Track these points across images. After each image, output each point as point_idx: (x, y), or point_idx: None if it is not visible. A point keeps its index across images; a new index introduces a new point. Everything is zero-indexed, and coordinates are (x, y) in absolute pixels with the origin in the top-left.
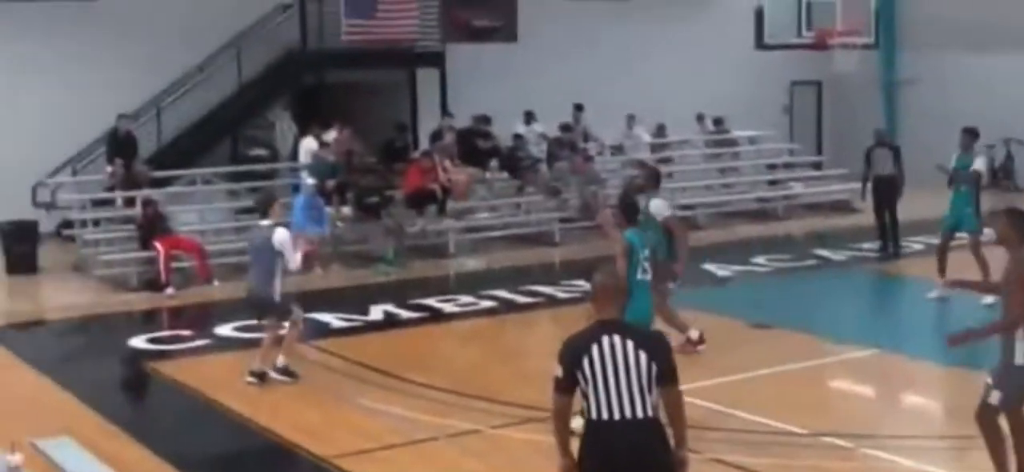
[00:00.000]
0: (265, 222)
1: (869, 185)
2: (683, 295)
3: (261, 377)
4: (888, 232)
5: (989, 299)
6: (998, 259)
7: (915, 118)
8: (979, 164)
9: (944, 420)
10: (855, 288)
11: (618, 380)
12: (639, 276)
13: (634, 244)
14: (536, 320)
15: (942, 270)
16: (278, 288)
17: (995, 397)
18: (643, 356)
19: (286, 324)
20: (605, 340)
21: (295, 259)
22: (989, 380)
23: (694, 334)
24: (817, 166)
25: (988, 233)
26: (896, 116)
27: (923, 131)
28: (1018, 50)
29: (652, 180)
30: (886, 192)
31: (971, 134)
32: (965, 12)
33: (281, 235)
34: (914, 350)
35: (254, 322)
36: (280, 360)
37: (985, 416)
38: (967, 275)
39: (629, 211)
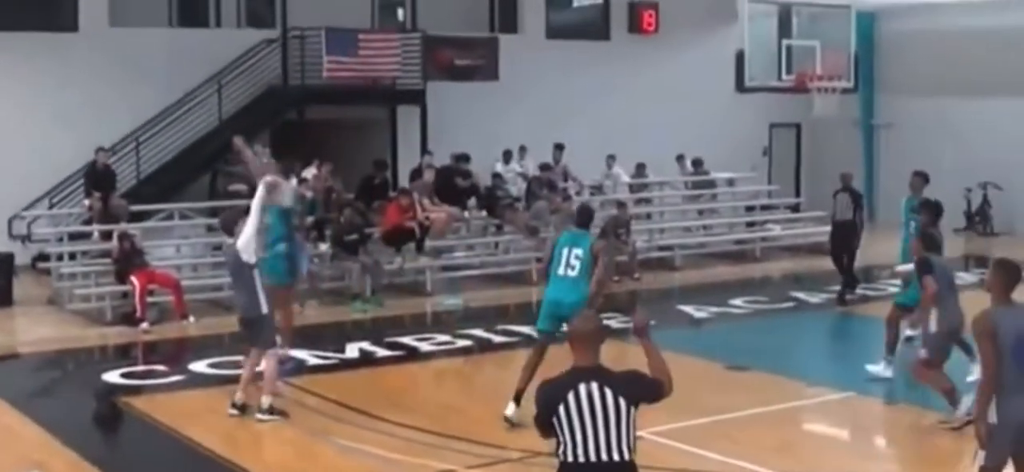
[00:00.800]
0: (231, 240)
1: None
2: (658, 336)
3: (243, 409)
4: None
5: (908, 331)
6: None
7: (893, 161)
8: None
9: (919, 465)
10: (831, 331)
11: (595, 427)
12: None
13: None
14: (513, 360)
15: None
16: (264, 302)
17: (981, 458)
18: (622, 402)
19: (271, 352)
20: (582, 388)
21: (247, 252)
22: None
23: None
24: (795, 208)
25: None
26: (874, 159)
27: (901, 175)
28: (995, 95)
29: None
30: (844, 237)
31: (922, 177)
32: (943, 57)
33: (242, 240)
34: (890, 394)
35: (236, 356)
36: (265, 401)
37: None
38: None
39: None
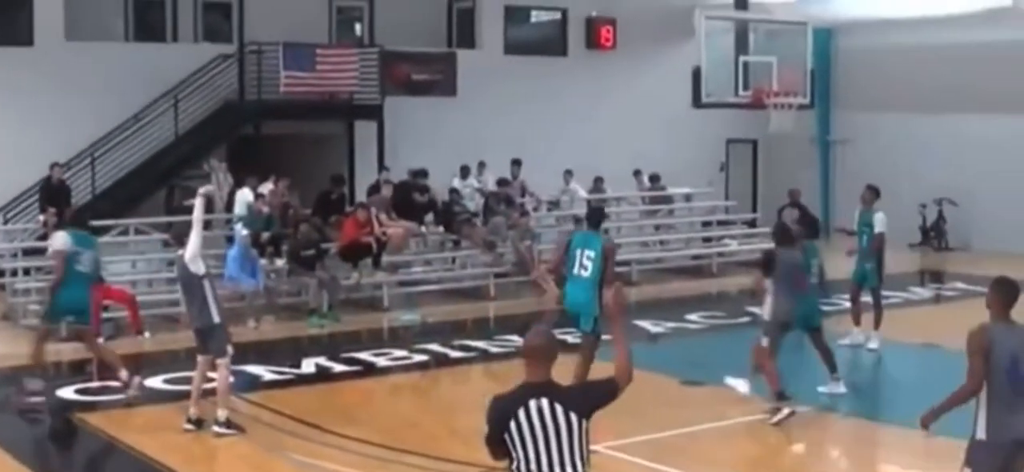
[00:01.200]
0: (181, 251)
1: None
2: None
3: (198, 424)
4: None
5: (847, 340)
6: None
7: (849, 177)
8: (879, 225)
9: None
10: (787, 346)
11: (547, 443)
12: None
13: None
14: (469, 375)
15: (856, 320)
16: (216, 311)
17: None
18: (573, 417)
19: (221, 362)
20: (532, 404)
21: (196, 264)
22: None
23: None
24: (752, 223)
25: None
26: (831, 175)
27: (858, 191)
28: (951, 112)
29: None
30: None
31: (873, 191)
32: (899, 74)
33: (189, 252)
34: (847, 407)
35: (192, 372)
36: (222, 413)
37: None
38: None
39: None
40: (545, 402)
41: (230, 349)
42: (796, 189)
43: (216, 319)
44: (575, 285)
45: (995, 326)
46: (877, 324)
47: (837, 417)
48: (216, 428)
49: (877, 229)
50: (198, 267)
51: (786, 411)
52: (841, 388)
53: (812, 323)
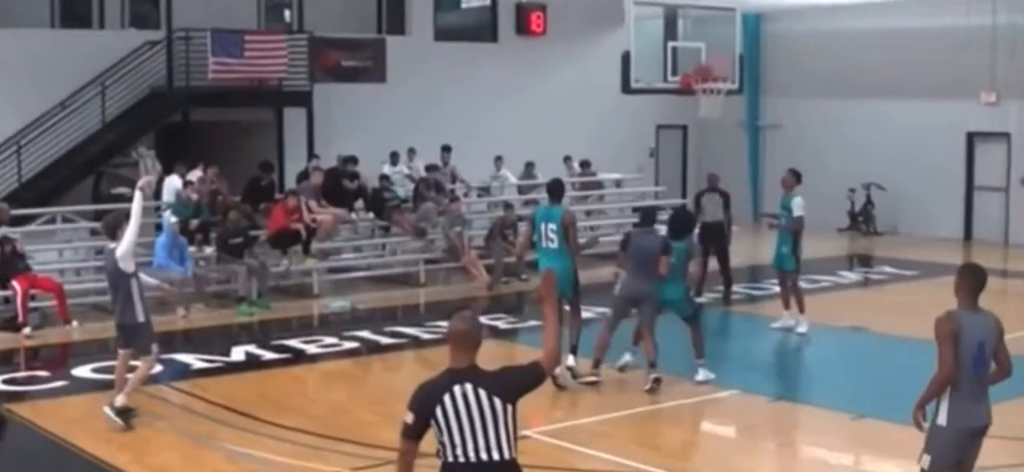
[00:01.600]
0: (113, 244)
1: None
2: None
3: (122, 412)
4: (707, 279)
5: (778, 323)
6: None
7: (779, 163)
8: (798, 209)
9: (805, 461)
10: (717, 330)
11: (474, 427)
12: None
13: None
14: (400, 361)
15: (786, 304)
16: (141, 310)
17: (925, 461)
18: (497, 402)
19: (149, 357)
20: (457, 390)
21: (126, 263)
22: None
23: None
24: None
25: None
26: (760, 160)
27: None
28: (880, 97)
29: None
30: (714, 239)
31: (794, 175)
32: (828, 59)
33: (122, 249)
34: (773, 390)
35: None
36: (119, 399)
37: None
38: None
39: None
40: (470, 387)
41: (155, 348)
42: (714, 174)
43: (140, 318)
44: (546, 257)
45: (962, 313)
46: (801, 308)
47: (764, 400)
48: (107, 409)
49: (795, 213)
50: (128, 265)
51: (653, 377)
52: (702, 375)
53: (680, 313)
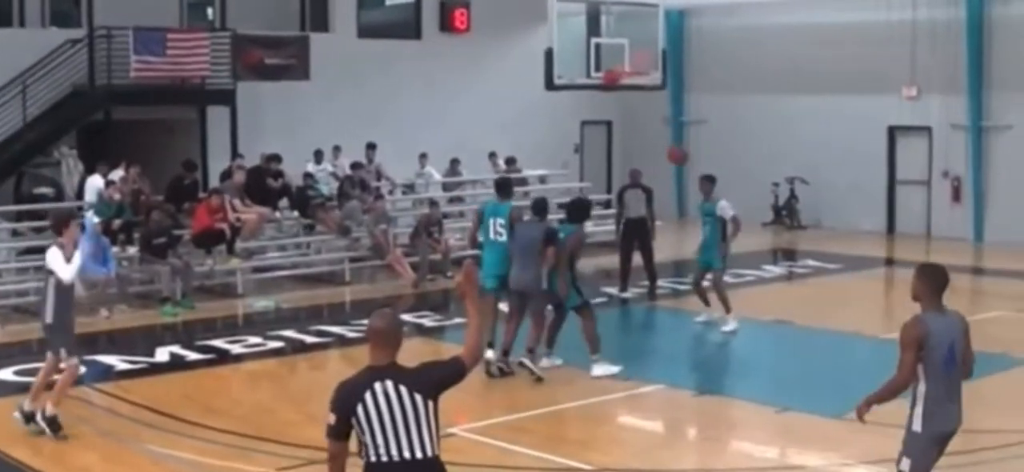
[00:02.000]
0: (57, 241)
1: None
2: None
3: (47, 421)
4: (632, 274)
5: (702, 317)
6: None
7: (703, 158)
8: (727, 210)
9: (731, 454)
10: (643, 325)
11: (395, 425)
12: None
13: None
14: (325, 360)
15: (704, 300)
16: (50, 314)
17: (905, 465)
18: (418, 398)
19: (63, 364)
20: (378, 387)
21: (66, 272)
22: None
23: None
24: (607, 204)
25: None
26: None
27: (710, 170)
28: (803, 92)
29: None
30: (638, 234)
31: (710, 180)
32: (752, 55)
33: (50, 253)
34: (697, 384)
35: (40, 363)
36: (49, 408)
37: None
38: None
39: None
40: (390, 384)
41: (64, 352)
42: (636, 170)
43: (48, 320)
44: (492, 250)
45: (929, 316)
46: (727, 307)
47: (689, 394)
48: (39, 419)
49: (730, 214)
50: (51, 263)
51: (528, 363)
52: (599, 370)
53: (567, 304)
